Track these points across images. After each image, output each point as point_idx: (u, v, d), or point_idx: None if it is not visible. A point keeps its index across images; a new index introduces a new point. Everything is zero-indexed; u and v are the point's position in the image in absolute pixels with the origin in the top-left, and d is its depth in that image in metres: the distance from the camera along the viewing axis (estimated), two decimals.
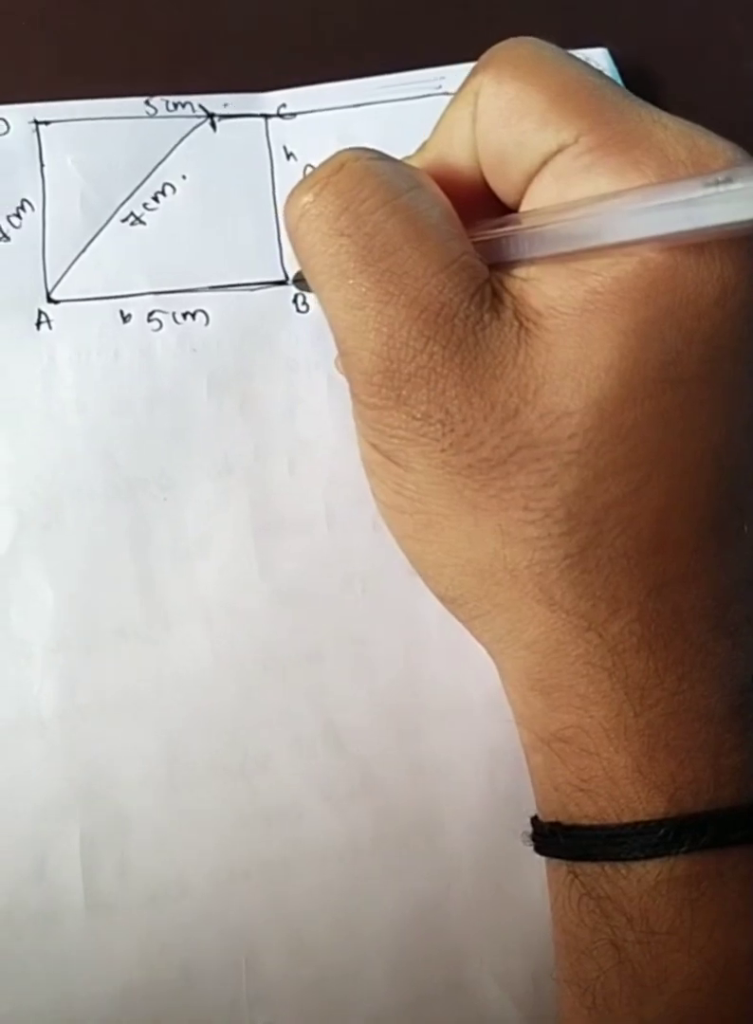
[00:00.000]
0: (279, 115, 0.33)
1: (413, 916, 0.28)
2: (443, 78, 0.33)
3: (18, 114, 0.30)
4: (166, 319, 0.31)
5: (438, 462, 0.22)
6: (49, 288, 0.30)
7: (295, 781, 0.29)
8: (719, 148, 0.20)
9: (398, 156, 0.24)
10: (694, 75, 0.37)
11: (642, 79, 0.36)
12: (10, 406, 0.30)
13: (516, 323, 0.21)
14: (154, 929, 0.27)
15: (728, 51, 0.37)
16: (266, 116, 0.32)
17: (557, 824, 0.23)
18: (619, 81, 0.35)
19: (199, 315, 0.31)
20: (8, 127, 0.31)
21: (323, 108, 0.33)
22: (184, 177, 0.31)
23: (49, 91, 0.31)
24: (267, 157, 0.32)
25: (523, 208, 0.23)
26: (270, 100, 0.33)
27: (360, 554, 0.30)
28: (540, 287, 0.22)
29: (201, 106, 0.32)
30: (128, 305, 0.30)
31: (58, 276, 0.30)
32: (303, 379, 0.31)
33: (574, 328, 0.21)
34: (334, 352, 0.31)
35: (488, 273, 0.22)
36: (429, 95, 0.33)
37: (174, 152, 0.31)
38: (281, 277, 0.31)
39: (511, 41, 0.23)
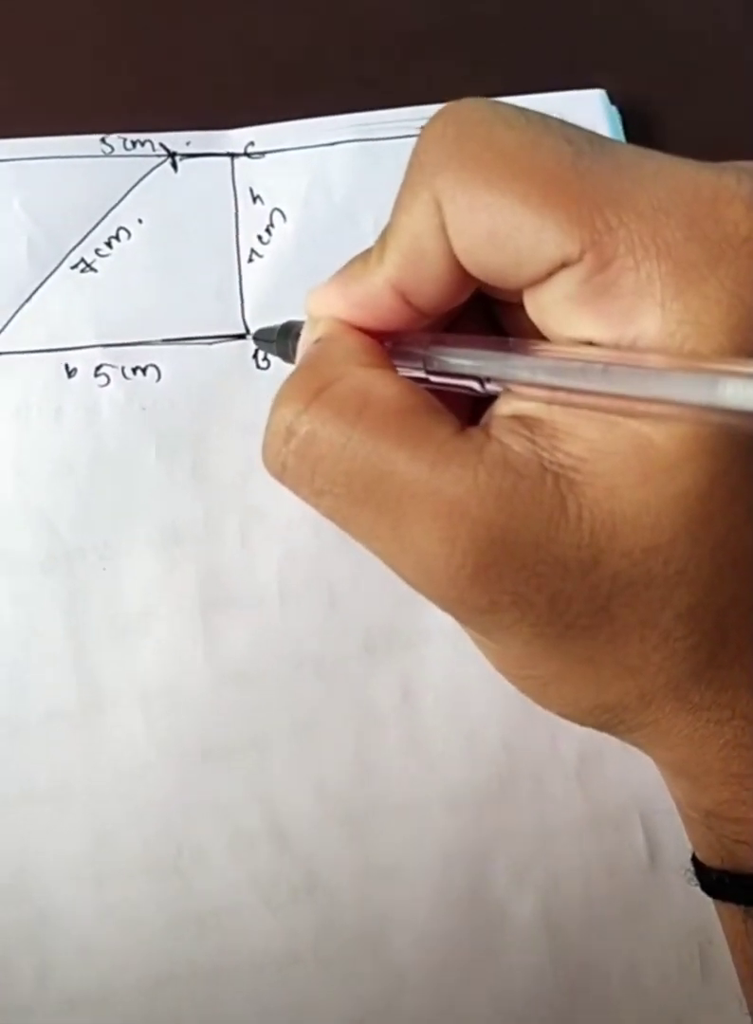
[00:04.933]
0: (246, 154, 0.31)
1: None
2: (426, 118, 0.31)
3: None
4: (114, 374, 0.29)
5: (531, 635, 0.21)
6: None
7: (233, 880, 0.28)
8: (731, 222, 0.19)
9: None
10: (693, 110, 0.35)
11: (639, 116, 0.35)
12: None
13: (550, 477, 0.20)
14: None
15: (726, 81, 0.35)
16: (232, 155, 0.31)
17: (725, 872, 0.24)
18: (618, 122, 0.34)
19: (150, 370, 0.29)
20: None
21: (294, 146, 0.31)
22: (140, 221, 0.30)
23: None
24: (232, 200, 0.31)
25: (530, 306, 0.21)
26: (237, 138, 0.31)
27: (313, 634, 0.29)
28: (571, 429, 0.20)
29: (162, 145, 0.31)
30: (73, 358, 0.29)
31: (0, 327, 0.29)
32: (260, 443, 0.29)
33: (632, 466, 0.20)
34: None
35: (486, 438, 0.21)
36: (410, 136, 0.32)
37: (130, 194, 0.30)
38: (241, 330, 0.30)
39: (455, 116, 0.21)
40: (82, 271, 0.30)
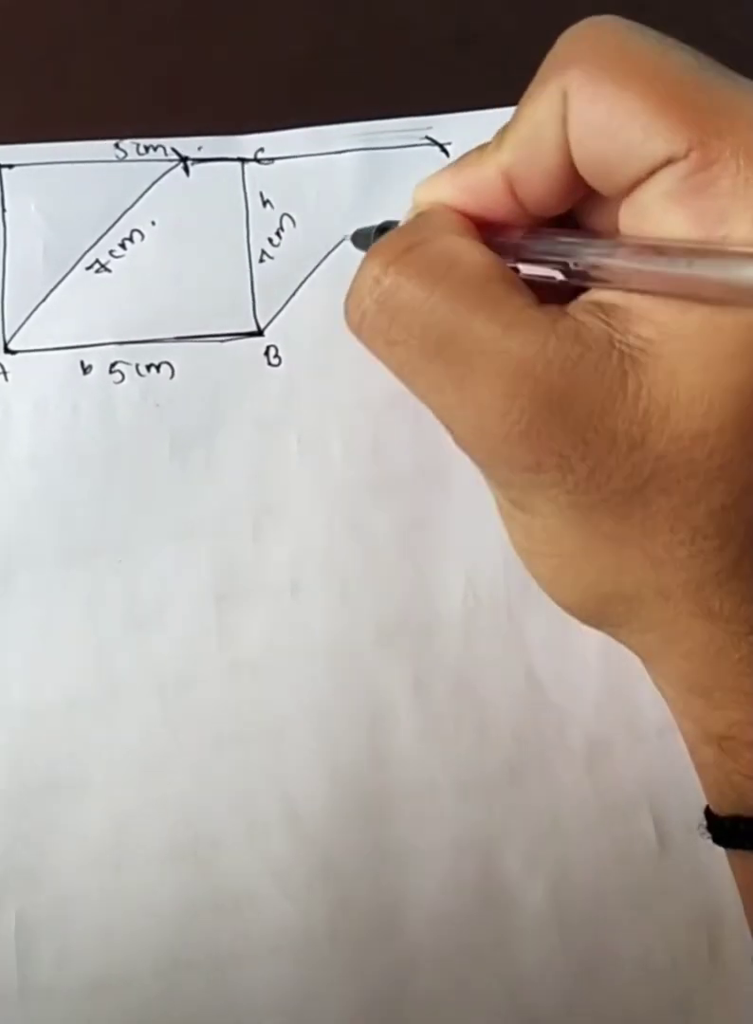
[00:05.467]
0: (256, 160, 0.32)
1: (369, 1014, 0.28)
2: (431, 128, 0.33)
3: None
4: (129, 371, 0.30)
5: (566, 503, 0.22)
6: (6, 338, 0.30)
7: (249, 866, 0.28)
8: None
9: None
10: None
11: None
12: None
13: (616, 353, 0.21)
14: (93, 1020, 0.27)
15: None
16: (243, 160, 0.32)
17: (739, 819, 0.24)
18: None
19: (164, 367, 0.30)
20: None
21: (303, 154, 0.32)
22: (153, 223, 0.31)
23: (15, 133, 0.30)
24: (242, 204, 0.32)
25: (626, 215, 0.22)
26: (247, 143, 0.32)
27: (325, 625, 0.30)
28: (645, 314, 0.21)
29: (174, 149, 0.31)
30: (89, 356, 0.30)
31: (17, 326, 0.30)
32: (272, 438, 0.30)
33: (696, 350, 0.21)
34: (307, 409, 0.30)
35: (561, 313, 0.22)
36: (416, 145, 0.33)
37: (144, 197, 0.31)
38: (253, 328, 0.31)
39: (594, 24, 0.22)
40: (97, 272, 0.31)
